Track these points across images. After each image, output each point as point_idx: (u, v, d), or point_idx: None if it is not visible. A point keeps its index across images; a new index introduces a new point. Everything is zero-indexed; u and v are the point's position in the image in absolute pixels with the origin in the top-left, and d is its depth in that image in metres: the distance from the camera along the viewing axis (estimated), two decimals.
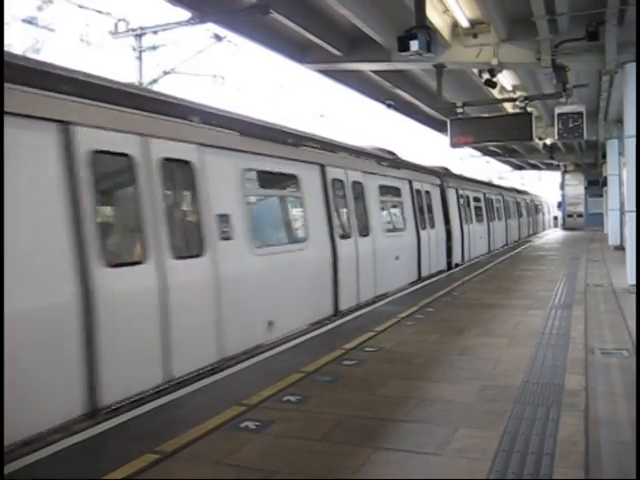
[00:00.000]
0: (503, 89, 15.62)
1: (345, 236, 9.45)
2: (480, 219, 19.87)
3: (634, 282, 9.61)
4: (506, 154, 31.12)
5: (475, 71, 13.20)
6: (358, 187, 10.22)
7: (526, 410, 4.25)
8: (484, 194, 21.00)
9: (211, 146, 6.40)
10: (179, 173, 6.04)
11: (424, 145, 51.11)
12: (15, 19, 13.50)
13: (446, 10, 10.88)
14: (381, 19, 10.79)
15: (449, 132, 12.82)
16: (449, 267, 15.15)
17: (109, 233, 5.37)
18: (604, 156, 23.84)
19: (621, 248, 16.23)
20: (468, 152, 32.89)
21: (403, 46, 8.06)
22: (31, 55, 14.97)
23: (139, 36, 14.15)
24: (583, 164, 35.38)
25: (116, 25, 13.44)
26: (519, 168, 42.38)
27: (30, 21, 13.78)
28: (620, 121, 14.58)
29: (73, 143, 4.79)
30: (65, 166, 4.72)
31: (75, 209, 4.72)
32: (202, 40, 24.93)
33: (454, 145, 13.02)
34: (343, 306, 9.01)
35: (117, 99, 5.36)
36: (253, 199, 7.51)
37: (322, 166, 9.01)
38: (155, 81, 15.15)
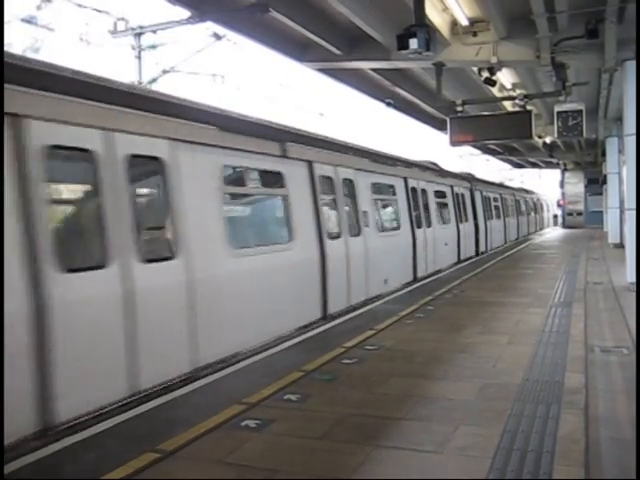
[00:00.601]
0: (503, 87, 15.60)
1: (419, 227, 13.14)
2: (498, 216, 23.49)
3: (634, 280, 9.60)
4: (506, 152, 31.11)
5: (475, 69, 13.19)
6: (424, 192, 14.05)
7: (526, 408, 4.25)
8: (500, 195, 24.55)
9: (359, 169, 10.24)
10: (348, 186, 9.85)
11: (424, 143, 51.05)
12: (14, 18, 13.44)
13: (445, 8, 10.86)
14: (381, 17, 10.77)
15: (449, 130, 12.81)
16: (477, 254, 18.85)
17: (328, 220, 8.93)
18: (604, 154, 23.82)
19: (621, 246, 16.24)
20: (468, 150, 32.88)
21: (402, 44, 8.06)
22: (30, 54, 14.93)
23: (138, 35, 14.11)
24: (583, 162, 35.33)
25: (115, 24, 13.44)
26: (519, 166, 42.34)
27: (29, 20, 13.71)
28: (620, 119, 14.55)
29: (313, 172, 8.54)
30: (311, 184, 8.46)
31: (315, 207, 8.43)
32: (201, 39, 24.97)
33: (454, 144, 13.02)
34: (419, 274, 12.75)
35: (324, 145, 9.26)
36: (376, 201, 11.20)
37: (405, 179, 12.75)
38: (154, 80, 15.10)
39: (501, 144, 27.00)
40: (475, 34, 11.37)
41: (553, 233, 33.36)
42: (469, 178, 19.73)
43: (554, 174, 44.06)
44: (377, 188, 11.25)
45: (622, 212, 16.13)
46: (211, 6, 10.43)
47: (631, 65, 9.85)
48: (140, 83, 13.92)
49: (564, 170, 38.05)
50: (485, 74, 12.29)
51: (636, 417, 3.95)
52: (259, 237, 8.00)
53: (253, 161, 7.18)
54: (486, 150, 30.66)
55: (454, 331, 6.94)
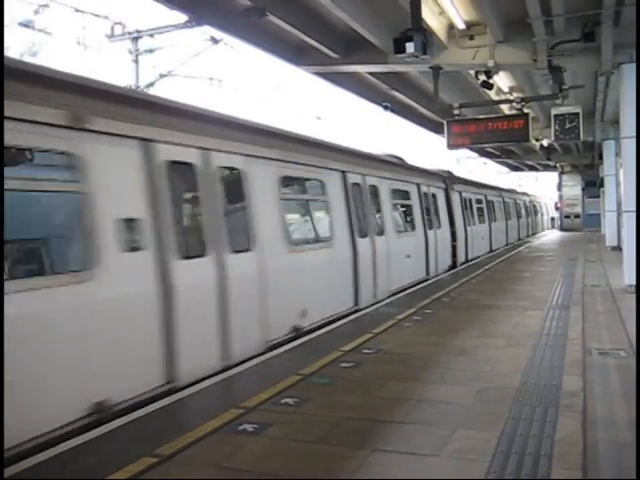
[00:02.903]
0: (499, 90, 15.63)
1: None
2: (530, 215, 35.49)
3: (633, 282, 9.58)
4: (503, 155, 31.18)
5: (471, 73, 13.21)
6: (517, 204, 28.27)
7: (524, 411, 4.26)
8: (532, 201, 37.05)
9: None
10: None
11: (421, 145, 51.04)
12: (12, 22, 13.41)
13: (442, 12, 10.88)
14: (377, 21, 10.79)
15: (446, 133, 12.84)
16: (519, 239, 28.68)
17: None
18: (601, 157, 23.86)
19: (618, 249, 16.24)
20: (465, 153, 32.91)
21: (399, 48, 8.09)
22: (28, 59, 14.92)
23: (136, 39, 14.13)
24: (580, 165, 35.40)
25: (112, 28, 13.46)
26: (516, 169, 42.39)
27: (27, 24, 13.70)
28: (616, 122, 14.57)
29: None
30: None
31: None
32: (199, 43, 24.92)
33: (451, 147, 13.06)
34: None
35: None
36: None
37: (503, 197, 24.73)
38: (152, 84, 15.10)
39: (498, 147, 27.05)
40: (472, 37, 11.40)
41: (550, 236, 33.41)
42: (526, 194, 34.29)
43: (551, 177, 44.23)
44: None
45: (619, 215, 16.15)
46: (208, 10, 10.44)
47: (628, 68, 9.86)
48: (137, 87, 13.92)
49: (561, 173, 38.09)
50: (482, 77, 12.32)
51: (636, 418, 3.95)
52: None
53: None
54: (483, 153, 30.72)
55: (452, 334, 6.94)
